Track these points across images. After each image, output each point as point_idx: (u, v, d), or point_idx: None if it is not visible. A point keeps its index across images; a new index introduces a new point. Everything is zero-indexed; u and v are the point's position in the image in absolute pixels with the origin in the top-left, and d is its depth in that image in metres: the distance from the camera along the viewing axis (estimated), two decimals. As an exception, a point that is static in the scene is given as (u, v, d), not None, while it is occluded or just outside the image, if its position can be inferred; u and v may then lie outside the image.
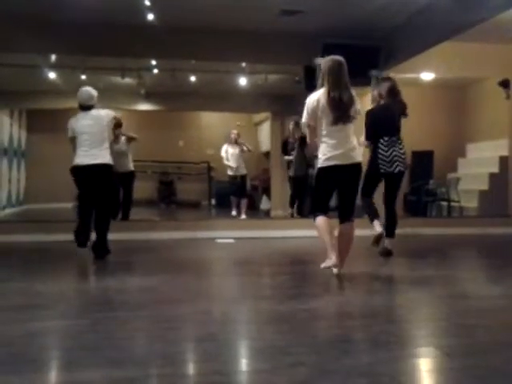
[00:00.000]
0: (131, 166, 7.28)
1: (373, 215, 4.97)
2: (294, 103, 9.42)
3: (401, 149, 4.81)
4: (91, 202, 4.83)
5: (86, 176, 4.76)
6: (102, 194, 4.82)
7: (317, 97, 3.82)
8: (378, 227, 4.90)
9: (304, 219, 7.39)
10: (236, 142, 8.36)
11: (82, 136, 4.77)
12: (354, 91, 3.90)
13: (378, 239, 4.90)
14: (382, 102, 4.88)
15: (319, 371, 2.10)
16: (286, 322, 2.82)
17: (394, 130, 4.81)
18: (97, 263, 4.72)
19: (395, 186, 4.91)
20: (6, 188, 9.86)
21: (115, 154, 6.89)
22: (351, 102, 3.82)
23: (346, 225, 3.94)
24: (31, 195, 10.61)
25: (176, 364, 2.21)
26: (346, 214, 3.95)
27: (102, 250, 4.80)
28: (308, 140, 4.02)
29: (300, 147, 7.46)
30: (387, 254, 4.83)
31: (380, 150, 4.79)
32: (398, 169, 4.77)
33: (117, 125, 6.69)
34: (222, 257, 5.35)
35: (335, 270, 3.88)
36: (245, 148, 8.38)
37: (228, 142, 8.42)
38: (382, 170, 4.78)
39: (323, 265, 3.92)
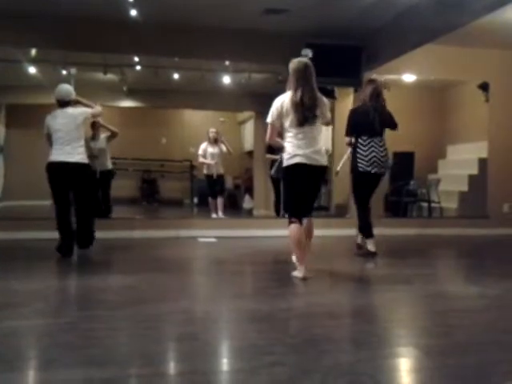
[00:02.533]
0: (110, 164, 7.17)
1: (366, 233, 4.94)
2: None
3: (381, 151, 4.86)
4: (68, 210, 4.76)
5: (61, 174, 4.69)
6: (80, 193, 4.78)
7: (283, 99, 3.89)
8: (370, 246, 4.90)
9: (285, 219, 7.43)
10: (215, 142, 8.12)
11: (56, 133, 4.75)
12: (323, 97, 3.95)
13: (363, 254, 4.92)
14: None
15: (299, 371, 2.10)
16: (266, 321, 2.82)
17: (373, 131, 4.84)
18: (76, 261, 4.66)
19: (371, 186, 4.95)
20: (-17, 184, 9.68)
21: (94, 151, 6.87)
22: (316, 103, 3.84)
23: (305, 220, 3.96)
24: (9, 192, 10.41)
25: (156, 363, 2.20)
26: (305, 212, 3.97)
27: (86, 238, 4.81)
28: (267, 138, 4.00)
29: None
30: (372, 255, 4.87)
31: (359, 150, 4.85)
32: (374, 170, 4.81)
33: (94, 121, 6.62)
34: (204, 256, 5.33)
35: (301, 275, 3.88)
36: (224, 149, 8.14)
37: (207, 141, 8.16)
38: (361, 169, 4.83)
39: (294, 273, 3.95)
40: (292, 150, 3.86)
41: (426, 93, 9.04)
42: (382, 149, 4.86)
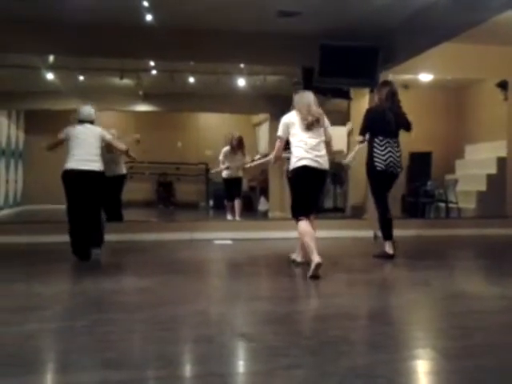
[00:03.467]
0: (124, 169, 7.20)
1: (385, 233, 4.91)
2: (292, 104, 9.45)
3: (397, 152, 4.87)
4: (81, 216, 4.79)
5: (77, 181, 4.75)
6: (93, 199, 4.83)
7: (290, 115, 4.35)
8: (388, 248, 4.86)
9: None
10: (239, 147, 7.65)
11: (74, 140, 4.83)
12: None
13: (381, 256, 4.88)
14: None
15: (316, 373, 2.09)
16: (282, 323, 2.82)
17: (389, 132, 4.84)
18: (93, 264, 4.70)
19: (389, 186, 4.97)
20: (3, 189, 9.85)
21: (107, 159, 6.93)
22: (320, 114, 4.30)
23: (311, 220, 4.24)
24: (28, 196, 10.60)
25: (172, 366, 2.21)
26: (311, 210, 4.27)
27: (95, 240, 4.85)
28: (276, 151, 4.45)
29: None
30: (389, 257, 4.83)
31: (375, 149, 4.85)
32: (390, 170, 4.83)
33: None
34: (220, 258, 5.34)
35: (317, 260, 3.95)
36: (248, 163, 7.45)
37: (229, 146, 7.69)
38: (379, 168, 4.82)
39: (314, 259, 3.96)
40: (299, 153, 4.21)
41: (443, 92, 8.95)
42: (397, 149, 4.88)
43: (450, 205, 8.17)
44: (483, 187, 7.91)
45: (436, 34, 5.37)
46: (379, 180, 4.92)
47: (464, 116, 9.05)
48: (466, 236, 6.69)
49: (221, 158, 7.89)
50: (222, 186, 8.26)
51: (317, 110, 4.30)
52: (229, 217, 7.85)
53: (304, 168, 4.18)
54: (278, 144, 4.40)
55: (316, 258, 3.92)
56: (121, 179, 7.14)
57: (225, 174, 7.98)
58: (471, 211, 7.92)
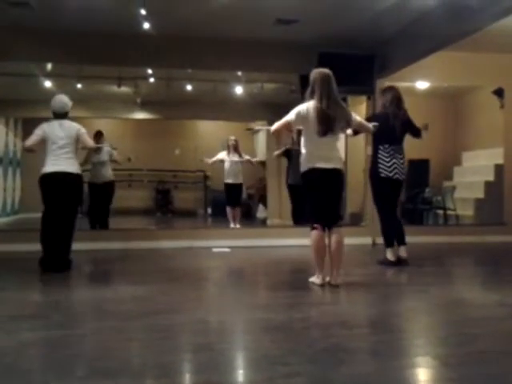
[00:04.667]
0: (111, 176, 7.22)
1: (387, 240, 4.90)
2: (289, 112, 9.48)
3: (401, 158, 4.87)
4: (55, 222, 4.57)
5: (56, 184, 4.57)
6: (69, 204, 4.65)
7: (306, 107, 3.90)
8: (389, 255, 4.86)
9: (300, 228, 7.40)
10: (235, 150, 8.04)
11: (53, 145, 4.64)
12: (344, 103, 4.01)
13: (383, 263, 4.88)
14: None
15: (316, 381, 2.08)
16: (281, 331, 2.80)
17: (394, 139, 4.83)
18: (90, 272, 4.68)
19: (393, 193, 4.94)
20: (0, 197, 9.82)
21: (95, 163, 6.97)
22: (340, 114, 3.89)
23: (333, 231, 3.93)
24: (26, 204, 10.55)
25: (171, 375, 2.19)
26: (331, 221, 3.93)
27: (62, 261, 4.55)
28: (275, 126, 4.06)
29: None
30: (403, 263, 4.84)
31: (380, 156, 4.83)
32: (396, 176, 4.82)
33: (97, 135, 6.70)
34: (218, 266, 5.33)
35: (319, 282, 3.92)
36: (246, 157, 8.11)
37: (226, 150, 8.05)
38: (383, 175, 4.81)
39: (311, 279, 4.00)
40: (311, 156, 3.89)
41: (440, 100, 8.99)
42: (401, 156, 4.87)
43: (448, 212, 8.18)
44: (481, 194, 7.93)
45: (431, 42, 5.40)
46: (382, 187, 4.89)
47: (461, 123, 9.08)
48: (464, 243, 6.70)
49: (215, 158, 8.15)
50: (223, 193, 8.36)
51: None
52: (231, 223, 7.90)
53: (316, 170, 3.90)
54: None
55: (319, 279, 3.88)
56: (110, 185, 7.14)
57: (226, 179, 8.13)
58: (469, 218, 7.93)
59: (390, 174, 4.80)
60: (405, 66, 6.10)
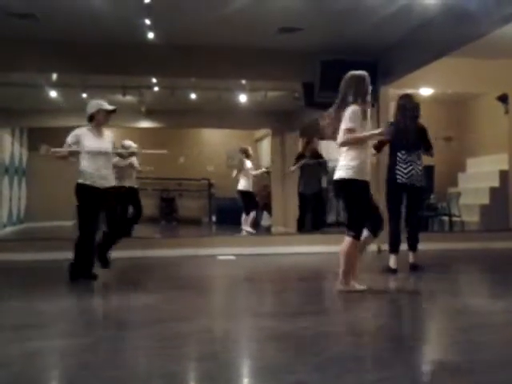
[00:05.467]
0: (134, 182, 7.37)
1: (390, 247, 4.91)
2: (293, 119, 9.51)
3: (419, 165, 4.88)
4: (94, 236, 4.64)
5: (98, 198, 4.52)
6: (112, 214, 4.76)
7: (359, 112, 3.88)
8: (391, 262, 4.86)
9: (305, 235, 7.40)
10: (247, 158, 8.50)
11: (92, 155, 4.51)
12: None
13: (386, 270, 4.88)
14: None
15: (322, 390, 2.07)
16: (287, 339, 2.79)
17: (409, 146, 4.83)
18: (97, 281, 4.68)
19: (413, 199, 4.93)
20: (6, 206, 9.87)
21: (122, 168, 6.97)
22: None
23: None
24: (32, 213, 10.60)
25: (177, 383, 2.18)
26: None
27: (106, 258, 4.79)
28: (359, 137, 3.87)
29: (310, 165, 7.54)
30: (414, 268, 4.84)
31: (398, 163, 4.84)
32: (412, 182, 4.83)
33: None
34: (223, 274, 5.32)
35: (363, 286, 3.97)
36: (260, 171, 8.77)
37: (247, 158, 8.50)
38: (399, 180, 4.81)
39: (358, 287, 3.96)
40: (361, 165, 3.85)
41: (444, 106, 8.98)
42: (419, 162, 4.88)
43: (454, 218, 8.15)
44: (486, 200, 7.90)
45: (434, 49, 5.42)
46: (396, 193, 4.90)
47: (465, 129, 9.07)
48: (470, 249, 6.66)
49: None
50: (227, 201, 8.54)
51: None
52: (249, 229, 8.10)
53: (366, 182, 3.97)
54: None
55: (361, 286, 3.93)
56: (134, 191, 7.23)
57: (241, 186, 8.37)
58: (475, 224, 7.90)
59: (407, 181, 4.81)
60: (408, 72, 6.10)
